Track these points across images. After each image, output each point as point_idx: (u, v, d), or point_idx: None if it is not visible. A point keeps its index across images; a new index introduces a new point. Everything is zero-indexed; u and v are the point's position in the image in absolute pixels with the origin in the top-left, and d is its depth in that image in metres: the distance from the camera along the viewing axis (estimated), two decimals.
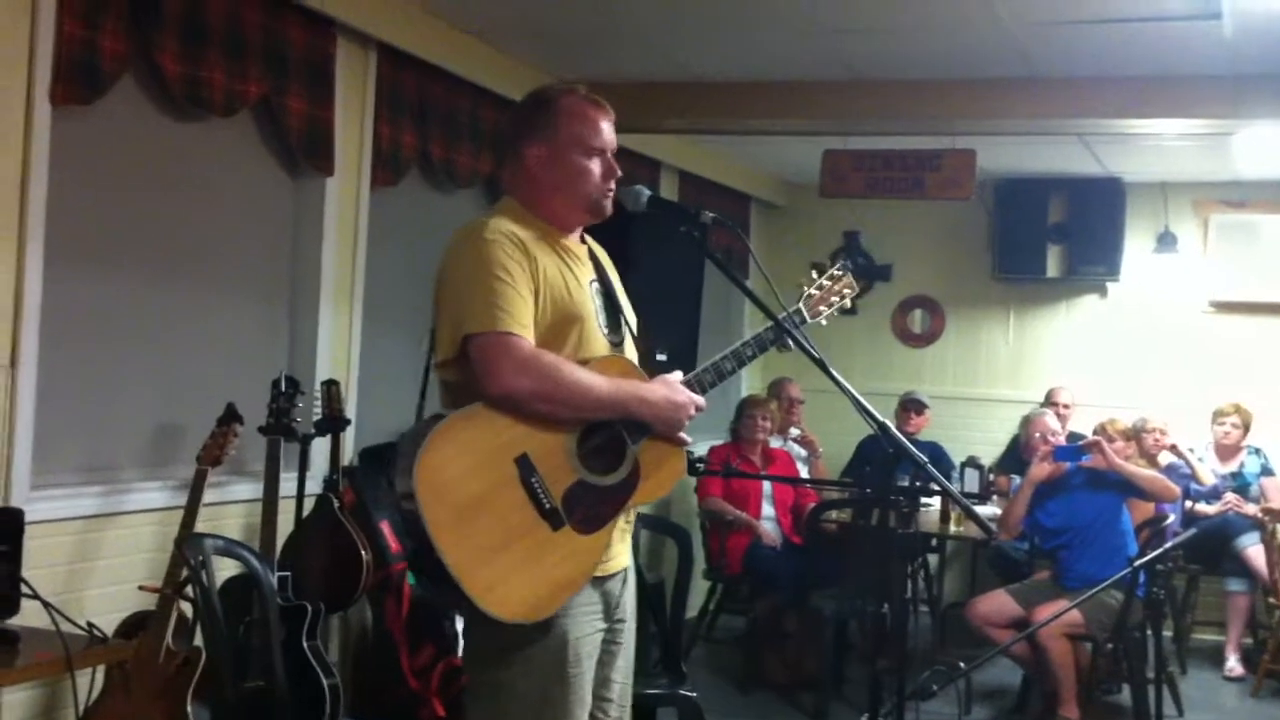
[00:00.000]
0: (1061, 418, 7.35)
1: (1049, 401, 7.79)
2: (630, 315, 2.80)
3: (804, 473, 7.44)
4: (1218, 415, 7.40)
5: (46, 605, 2.94)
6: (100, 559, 4.05)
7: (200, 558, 3.63)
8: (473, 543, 2.39)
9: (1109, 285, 8.38)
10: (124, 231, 4.24)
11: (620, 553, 2.68)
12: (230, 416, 4.13)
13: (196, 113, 4.30)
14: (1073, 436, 6.84)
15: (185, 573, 3.69)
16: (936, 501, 6.57)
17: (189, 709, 3.62)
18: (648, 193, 2.79)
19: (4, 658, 2.93)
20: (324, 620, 4.46)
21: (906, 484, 5.36)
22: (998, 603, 5.71)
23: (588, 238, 2.80)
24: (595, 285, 2.71)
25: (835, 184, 6.70)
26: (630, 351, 2.74)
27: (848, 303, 3.09)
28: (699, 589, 6.86)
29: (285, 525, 4.48)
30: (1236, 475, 7.34)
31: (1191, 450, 7.35)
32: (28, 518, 3.17)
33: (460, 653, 4.67)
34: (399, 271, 5.45)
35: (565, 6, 5.09)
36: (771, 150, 7.84)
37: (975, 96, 5.93)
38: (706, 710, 4.57)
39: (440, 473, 2.39)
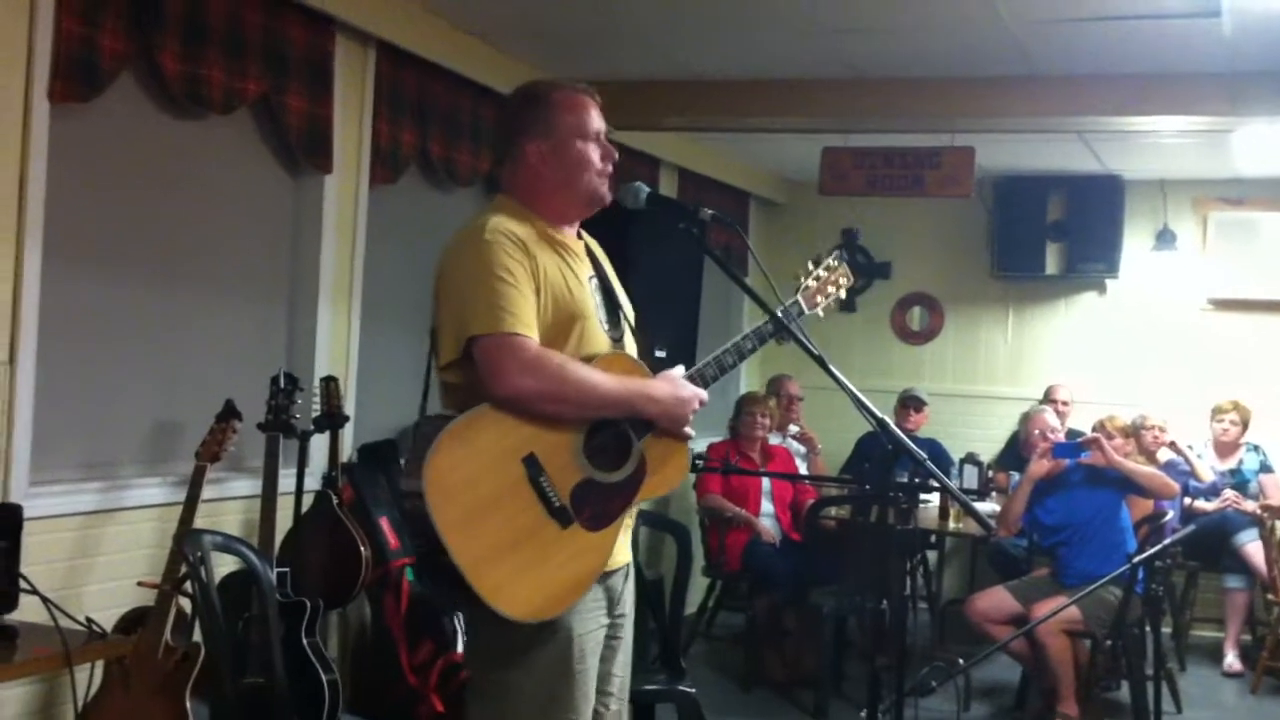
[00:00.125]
0: (1060, 415, 7.35)
1: (1048, 399, 7.80)
2: (628, 310, 2.81)
3: (803, 470, 7.44)
4: (1216, 412, 7.40)
5: (45, 601, 2.95)
6: (99, 555, 4.06)
7: (199, 554, 3.63)
8: (483, 543, 2.40)
9: (1108, 283, 8.39)
10: (123, 229, 4.25)
11: (622, 548, 2.69)
12: (229, 413, 4.14)
13: (195, 110, 4.30)
14: (1072, 434, 6.84)
15: (184, 569, 3.70)
16: (935, 498, 6.58)
17: (188, 705, 3.62)
18: (647, 190, 2.80)
19: (3, 653, 2.92)
20: (323, 616, 4.47)
21: (905, 481, 5.39)
22: (997, 599, 5.72)
23: (583, 233, 2.80)
24: (594, 281, 2.72)
25: (835, 182, 6.70)
26: (630, 346, 2.74)
27: (843, 293, 3.11)
28: (698, 586, 6.87)
29: (284, 521, 4.48)
30: (1235, 472, 7.35)
31: (1190, 447, 7.35)
32: (27, 513, 3.17)
33: (459, 649, 4.67)
34: (398, 269, 5.45)
35: (565, 5, 5.09)
36: (771, 148, 7.84)
37: (975, 94, 5.93)
38: (705, 707, 4.57)
39: (450, 474, 2.39)
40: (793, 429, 7.61)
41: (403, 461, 5.18)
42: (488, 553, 2.40)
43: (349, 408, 4.96)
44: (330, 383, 4.73)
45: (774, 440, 7.14)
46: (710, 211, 2.82)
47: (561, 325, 2.57)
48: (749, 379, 8.64)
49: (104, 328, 4.20)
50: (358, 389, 5.17)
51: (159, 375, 4.42)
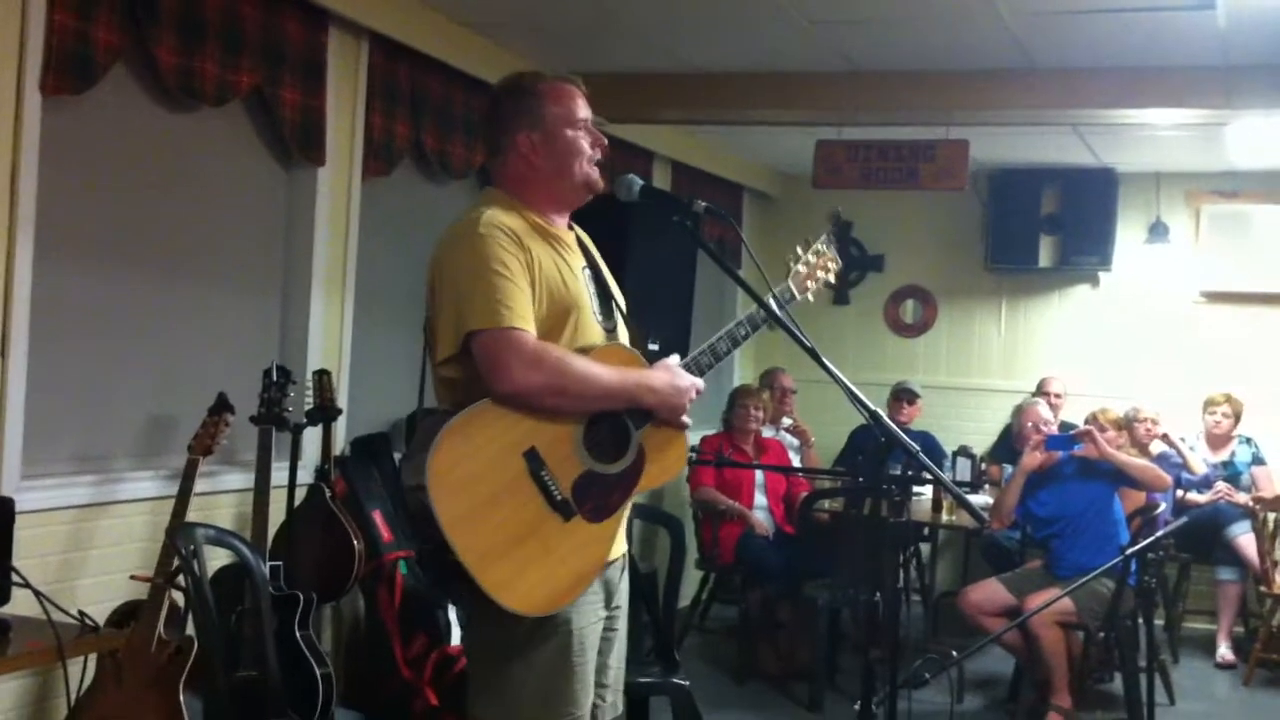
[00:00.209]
0: (1053, 407, 7.35)
1: (1041, 391, 7.80)
2: (620, 299, 2.81)
3: (796, 462, 7.44)
4: (1209, 405, 7.41)
5: (38, 594, 2.94)
6: (92, 548, 4.05)
7: (192, 547, 3.63)
8: (487, 538, 2.40)
9: (1101, 275, 8.39)
10: (115, 222, 4.23)
11: (620, 539, 2.70)
12: (221, 406, 4.13)
13: (188, 103, 4.29)
14: (1064, 426, 6.85)
15: (177, 562, 3.69)
16: (928, 490, 6.58)
17: (181, 698, 3.62)
18: (640, 182, 2.80)
19: None
20: (316, 610, 4.47)
21: (898, 473, 5.40)
22: (990, 591, 5.72)
23: (574, 224, 2.80)
24: (587, 272, 2.72)
25: (829, 175, 6.69)
26: (623, 337, 2.75)
27: (832, 277, 3.13)
28: (691, 578, 6.87)
29: (277, 515, 4.48)
30: (1227, 464, 7.36)
31: (1183, 439, 7.37)
32: (19, 507, 3.16)
33: (453, 642, 4.67)
34: (391, 261, 5.44)
35: None
36: (765, 141, 7.83)
37: (971, 87, 5.93)
38: (699, 700, 4.57)
39: (453, 470, 2.39)
40: (786, 422, 7.61)
41: (397, 457, 5.18)
42: (492, 548, 2.40)
43: (342, 401, 4.96)
44: (323, 376, 4.73)
45: (767, 433, 7.14)
46: (704, 204, 2.82)
47: (557, 318, 2.57)
48: (742, 372, 8.64)
49: (96, 320, 4.19)
50: (350, 382, 5.17)
51: (151, 368, 4.41)
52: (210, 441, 4.06)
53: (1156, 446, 7.27)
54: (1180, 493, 7.08)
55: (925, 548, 7.66)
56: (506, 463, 2.44)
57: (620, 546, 2.71)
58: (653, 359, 2.70)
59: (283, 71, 4.55)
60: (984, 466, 7.40)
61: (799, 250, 3.08)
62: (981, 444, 7.96)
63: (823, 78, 6.09)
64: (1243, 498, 7.06)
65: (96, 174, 4.14)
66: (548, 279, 2.57)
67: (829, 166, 6.66)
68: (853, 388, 2.77)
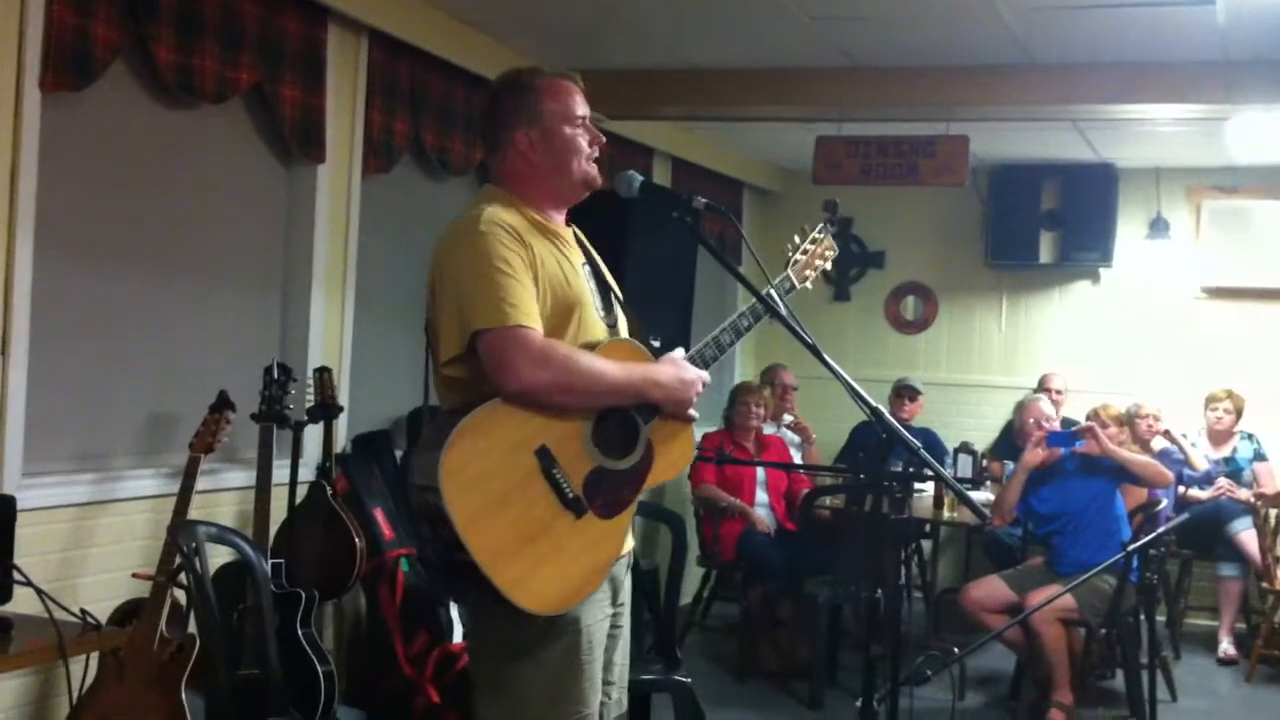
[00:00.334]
0: (1054, 404, 7.35)
1: (1042, 388, 7.80)
2: (618, 293, 2.81)
3: (798, 459, 7.44)
4: (1210, 401, 7.41)
5: (40, 593, 2.94)
6: (93, 546, 4.05)
7: (193, 545, 3.63)
8: (500, 537, 2.40)
9: (1102, 271, 8.38)
10: (115, 219, 4.23)
11: (628, 535, 2.70)
12: (222, 404, 4.13)
13: (188, 100, 4.29)
14: (1066, 422, 6.85)
15: (179, 560, 3.69)
16: (930, 487, 6.58)
17: (183, 696, 3.62)
18: (640, 179, 2.80)
19: None
20: (318, 607, 4.47)
21: (900, 470, 5.39)
22: (991, 588, 5.72)
23: (570, 220, 2.80)
24: (587, 268, 2.72)
25: (829, 171, 6.69)
26: (624, 331, 2.75)
27: (829, 265, 3.14)
28: (693, 576, 6.87)
29: (278, 513, 4.47)
30: (1229, 460, 7.36)
31: (1184, 436, 7.36)
32: (20, 505, 3.16)
33: (455, 639, 4.67)
34: (391, 259, 5.44)
35: None
36: (765, 137, 7.83)
37: (971, 83, 5.92)
38: (701, 697, 4.56)
39: (465, 470, 2.38)
40: (787, 418, 7.61)
41: (398, 454, 5.18)
42: (505, 547, 2.40)
43: (343, 398, 4.96)
44: (324, 373, 4.72)
45: (768, 430, 7.14)
46: (704, 200, 2.82)
47: (561, 315, 2.57)
48: (743, 369, 8.64)
49: (96, 318, 4.19)
50: (351, 379, 5.16)
51: (152, 366, 4.41)
52: (211, 439, 4.05)
53: (1158, 443, 7.26)
54: (1182, 489, 7.08)
55: (927, 544, 7.66)
56: (518, 461, 2.44)
57: (628, 544, 2.71)
58: (655, 354, 2.70)
59: (282, 69, 4.55)
60: (985, 463, 7.39)
61: (796, 239, 3.09)
62: (983, 440, 7.96)
63: (823, 74, 6.08)
64: (1244, 494, 7.06)
65: (96, 171, 4.14)
66: (550, 276, 2.56)
67: (829, 162, 6.67)
68: (854, 384, 2.77)
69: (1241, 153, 7.48)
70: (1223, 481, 7.18)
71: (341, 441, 4.94)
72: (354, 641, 5.09)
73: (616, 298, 2.78)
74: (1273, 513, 6.74)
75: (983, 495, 6.71)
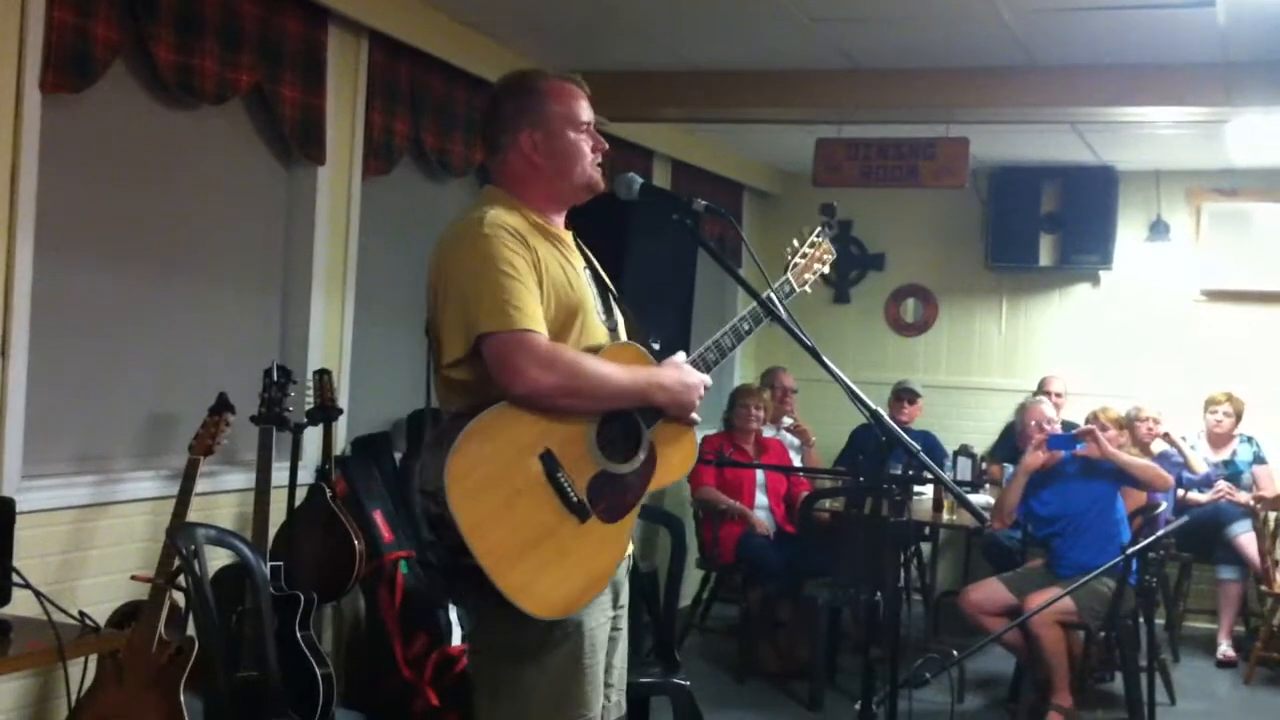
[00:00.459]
0: (1054, 407, 7.35)
1: (1042, 390, 7.80)
2: (616, 296, 2.81)
3: (797, 462, 7.44)
4: (1210, 404, 7.41)
5: (38, 595, 2.93)
6: (92, 549, 4.05)
7: (192, 547, 3.63)
8: (505, 543, 2.39)
9: (1101, 274, 8.38)
10: (115, 220, 4.23)
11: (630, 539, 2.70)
12: (222, 406, 4.13)
13: (188, 101, 4.28)
14: (1065, 425, 6.85)
15: (177, 562, 3.69)
16: (929, 490, 6.58)
17: (182, 699, 3.62)
18: (640, 181, 2.79)
19: None
20: (317, 610, 4.46)
21: (899, 473, 5.39)
22: (990, 591, 5.72)
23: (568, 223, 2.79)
24: (588, 272, 2.72)
25: (829, 173, 6.69)
26: (623, 335, 2.75)
27: (827, 268, 3.15)
28: (692, 578, 6.87)
29: (278, 515, 4.47)
30: (1229, 463, 7.36)
31: (1184, 439, 7.36)
32: (19, 507, 3.16)
33: (454, 642, 4.67)
34: (391, 260, 5.43)
35: None
36: (765, 139, 7.83)
37: (971, 85, 5.92)
38: (700, 699, 4.57)
39: (470, 474, 2.37)
40: (787, 421, 7.61)
41: (398, 457, 5.18)
42: (510, 551, 2.39)
43: (342, 400, 4.96)
44: (323, 375, 4.72)
45: (768, 432, 7.14)
46: (703, 203, 2.82)
47: (564, 319, 2.56)
48: (743, 371, 8.63)
49: (96, 320, 4.18)
50: (351, 381, 5.16)
51: (152, 368, 4.41)
52: (211, 441, 4.05)
53: (1158, 446, 7.26)
54: (1181, 492, 7.07)
55: (926, 547, 7.65)
56: (523, 465, 2.43)
57: (630, 546, 2.71)
58: (655, 357, 2.70)
59: (282, 69, 4.55)
60: (985, 466, 7.39)
61: (795, 243, 3.09)
62: (982, 443, 7.95)
63: (823, 76, 6.08)
64: (1244, 497, 7.05)
65: (96, 172, 4.14)
66: (554, 280, 2.56)
67: (829, 165, 6.66)
68: (853, 387, 2.77)
69: (1241, 155, 7.48)
70: (1222, 484, 7.18)
71: (341, 444, 4.94)
72: (353, 644, 5.09)
73: (615, 300, 2.78)
74: (1272, 516, 6.74)
75: (982, 498, 6.70)
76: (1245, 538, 6.91)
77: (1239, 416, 7.37)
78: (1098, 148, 7.54)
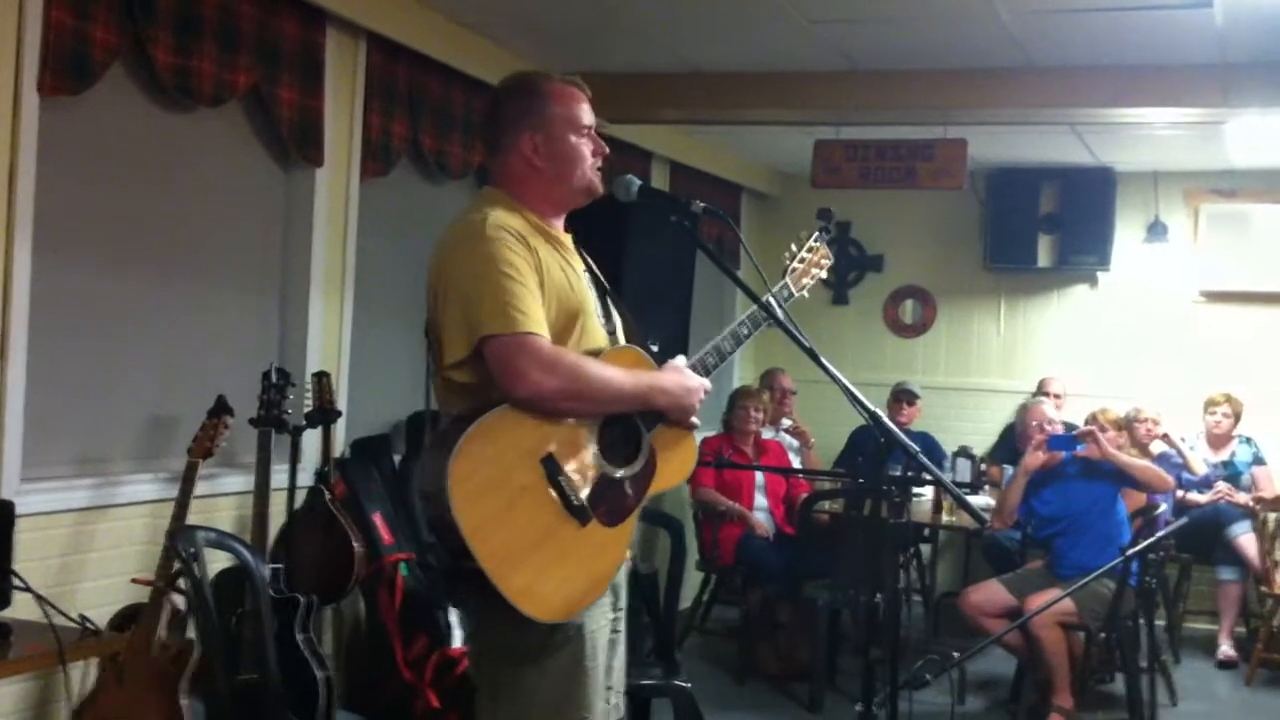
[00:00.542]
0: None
1: (1041, 391, 7.80)
2: (615, 298, 2.81)
3: (796, 464, 7.44)
4: (1209, 405, 7.41)
5: (38, 598, 2.93)
6: (92, 552, 4.04)
7: (192, 550, 3.63)
8: (507, 546, 2.39)
9: (1100, 275, 8.38)
10: (114, 222, 4.23)
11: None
12: (221, 408, 4.12)
13: (186, 103, 4.28)
14: (1065, 426, 6.85)
15: (177, 565, 3.69)
16: (929, 491, 6.58)
17: (182, 701, 3.62)
18: (638, 182, 2.79)
19: None
20: (316, 612, 4.46)
21: (898, 474, 5.40)
22: (990, 592, 5.72)
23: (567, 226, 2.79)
24: (587, 275, 2.72)
25: (827, 175, 6.69)
26: (622, 338, 2.74)
27: (824, 273, 3.15)
28: (692, 580, 6.87)
29: (277, 517, 4.47)
30: (1228, 464, 7.36)
31: (1183, 440, 7.36)
32: (18, 510, 3.16)
33: (454, 644, 4.66)
34: (390, 262, 5.43)
35: None
36: (763, 141, 7.83)
37: (969, 86, 5.93)
38: (700, 701, 4.56)
39: (472, 476, 2.37)
40: (785, 423, 7.61)
41: (397, 459, 5.17)
42: (512, 554, 2.39)
43: (341, 402, 4.95)
44: (322, 377, 4.72)
45: (767, 434, 7.14)
46: (702, 204, 2.81)
47: (565, 321, 2.56)
48: (742, 373, 8.63)
49: (95, 322, 4.18)
50: (350, 384, 5.16)
51: (151, 370, 4.41)
52: (210, 444, 4.05)
53: (1157, 447, 7.26)
54: (1181, 493, 7.07)
55: (926, 548, 7.64)
56: (525, 468, 2.43)
57: (629, 549, 2.70)
58: (654, 358, 2.70)
59: (280, 71, 4.55)
60: (984, 467, 7.39)
61: (793, 248, 3.10)
62: (981, 444, 7.96)
63: (821, 77, 6.08)
64: (1243, 498, 7.05)
65: (94, 174, 4.13)
66: (555, 283, 2.55)
67: (827, 166, 6.66)
68: (852, 388, 2.77)
69: (1240, 156, 7.48)
70: (1221, 485, 7.17)
71: (340, 446, 4.93)
72: (353, 646, 5.09)
73: (614, 303, 2.77)
74: (1271, 516, 6.74)
75: (981, 500, 6.70)
76: (1245, 539, 6.92)
77: (1238, 417, 7.37)
78: (1096, 149, 7.54)
